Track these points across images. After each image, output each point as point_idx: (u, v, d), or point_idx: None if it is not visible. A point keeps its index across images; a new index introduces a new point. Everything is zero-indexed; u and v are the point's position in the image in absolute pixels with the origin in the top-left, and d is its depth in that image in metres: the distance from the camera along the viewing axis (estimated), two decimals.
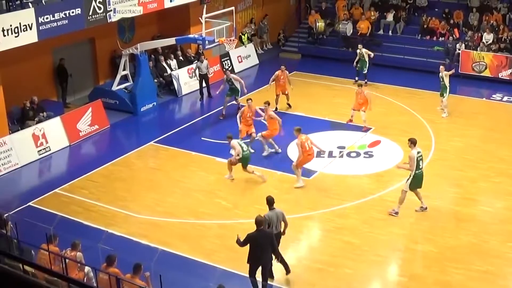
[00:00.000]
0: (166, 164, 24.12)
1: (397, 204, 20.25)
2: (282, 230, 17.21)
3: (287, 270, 17.19)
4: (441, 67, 28.49)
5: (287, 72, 29.22)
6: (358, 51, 32.00)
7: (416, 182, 20.04)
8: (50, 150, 24.98)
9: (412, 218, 20.33)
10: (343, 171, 23.25)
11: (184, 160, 24.32)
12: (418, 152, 19.91)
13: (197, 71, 31.04)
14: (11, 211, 19.50)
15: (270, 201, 17.10)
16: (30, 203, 21.25)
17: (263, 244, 15.96)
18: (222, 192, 21.92)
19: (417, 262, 18.26)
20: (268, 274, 16.54)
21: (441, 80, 27.95)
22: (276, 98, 28.71)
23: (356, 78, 32.23)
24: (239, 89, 28.95)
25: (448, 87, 27.88)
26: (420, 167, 19.92)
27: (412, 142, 19.98)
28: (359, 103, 26.58)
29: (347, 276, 17.39)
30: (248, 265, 16.14)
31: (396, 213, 20.29)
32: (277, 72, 28.78)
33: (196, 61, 31.72)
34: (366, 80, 31.97)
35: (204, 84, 31.13)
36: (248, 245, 15.99)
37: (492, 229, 19.56)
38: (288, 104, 29.25)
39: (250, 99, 25.13)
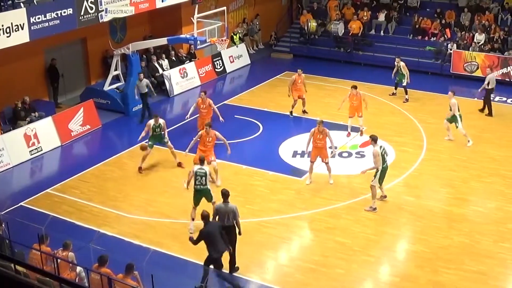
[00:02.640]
0: (158, 164, 24.07)
1: (372, 200, 20.58)
2: (237, 230, 17.32)
3: (232, 268, 17.35)
4: (449, 92, 25.76)
5: (304, 76, 28.27)
6: (396, 63, 30.34)
7: (383, 176, 20.60)
8: (42, 150, 24.93)
9: (404, 218, 20.37)
10: (335, 171, 23.19)
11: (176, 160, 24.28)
12: (381, 147, 20.49)
13: (135, 90, 28.12)
14: (3, 211, 19.43)
15: (224, 194, 17.22)
16: (21, 203, 21.20)
17: (215, 235, 16.43)
18: (213, 192, 21.85)
19: (409, 262, 18.28)
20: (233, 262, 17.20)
21: (450, 109, 25.39)
22: (294, 103, 28.04)
23: (394, 91, 31.07)
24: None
25: (458, 116, 25.27)
26: (386, 161, 20.52)
27: (373, 139, 20.53)
28: (353, 106, 25.87)
29: (339, 276, 17.40)
30: (209, 255, 16.57)
31: (374, 209, 20.54)
32: (293, 76, 28.15)
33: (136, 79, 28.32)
34: (407, 97, 30.31)
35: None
36: (203, 241, 16.46)
37: (484, 229, 19.59)
38: (304, 111, 28.51)
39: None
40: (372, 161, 20.53)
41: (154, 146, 23.57)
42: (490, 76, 28.98)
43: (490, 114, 28.78)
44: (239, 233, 17.32)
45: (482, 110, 29.18)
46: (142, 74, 28.10)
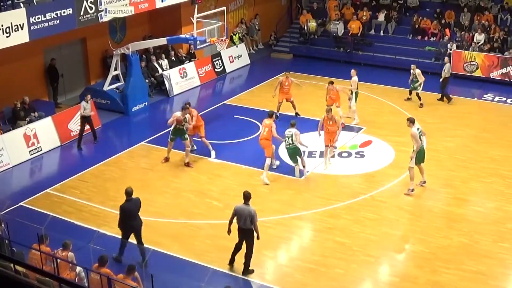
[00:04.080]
0: (158, 164, 24.09)
1: (410, 182, 21.38)
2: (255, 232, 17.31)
3: (246, 270, 17.51)
4: (352, 70, 27.75)
5: (292, 79, 28.14)
6: (411, 70, 29.63)
7: (420, 157, 21.30)
8: (41, 150, 24.93)
9: (404, 219, 20.38)
10: (335, 171, 23.27)
11: (176, 160, 24.28)
12: (418, 129, 21.24)
13: (82, 110, 25.34)
14: (3, 211, 19.43)
15: (246, 196, 17.22)
16: (21, 203, 21.20)
17: (132, 211, 17.47)
18: (213, 192, 21.91)
19: (408, 262, 18.29)
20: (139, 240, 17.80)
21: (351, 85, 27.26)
22: (279, 105, 28.00)
23: (409, 96, 30.36)
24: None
25: (354, 94, 27.51)
26: (422, 141, 21.33)
27: (411, 121, 21.41)
28: (331, 98, 26.84)
29: (338, 276, 17.40)
30: (121, 230, 17.81)
31: (412, 190, 21.41)
32: (280, 79, 28.14)
33: (82, 101, 25.77)
34: (421, 103, 29.72)
35: (86, 126, 25.96)
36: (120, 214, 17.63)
37: (483, 229, 19.60)
38: (297, 114, 28.37)
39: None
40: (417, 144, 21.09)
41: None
42: (448, 65, 30.50)
43: (449, 101, 30.43)
44: (257, 238, 17.29)
45: (441, 99, 30.56)
46: (89, 96, 25.53)
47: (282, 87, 27.93)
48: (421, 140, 21.19)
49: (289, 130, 22.26)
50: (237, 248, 17.51)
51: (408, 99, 30.51)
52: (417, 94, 29.74)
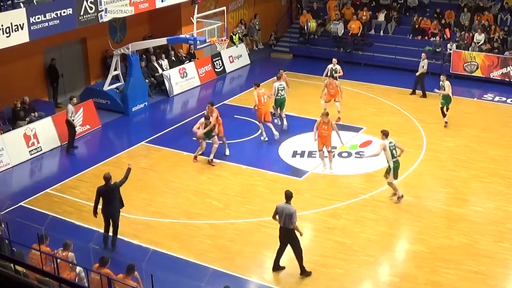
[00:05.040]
0: (158, 164, 24.10)
1: (396, 193, 21.10)
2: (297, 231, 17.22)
3: (304, 272, 17.47)
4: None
5: (285, 76, 27.94)
6: (441, 82, 27.12)
7: (395, 173, 20.90)
8: (41, 150, 24.94)
9: (404, 218, 20.38)
10: (335, 171, 23.26)
11: (176, 160, 24.31)
12: (391, 142, 20.75)
13: (69, 115, 25.00)
14: (3, 211, 19.43)
15: (287, 195, 17.21)
16: (21, 203, 21.21)
17: (107, 196, 18.28)
18: (213, 192, 21.92)
19: (408, 262, 18.28)
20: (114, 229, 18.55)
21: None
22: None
23: (446, 122, 27.44)
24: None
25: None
26: (396, 155, 20.71)
27: (384, 134, 20.88)
28: (330, 94, 27.07)
29: (338, 276, 17.40)
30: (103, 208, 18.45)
31: (401, 196, 21.16)
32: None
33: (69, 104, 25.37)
34: (446, 121, 27.28)
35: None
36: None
37: (483, 229, 19.60)
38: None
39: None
40: (375, 152, 21.21)
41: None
42: (425, 61, 30.80)
43: (423, 96, 30.91)
44: (300, 234, 17.24)
45: (413, 93, 31.29)
46: (75, 98, 25.39)
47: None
48: (394, 155, 20.64)
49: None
50: (279, 254, 17.44)
51: (445, 123, 27.62)
52: (442, 111, 27.26)
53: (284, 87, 26.58)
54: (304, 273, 17.34)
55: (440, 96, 27.00)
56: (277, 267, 17.55)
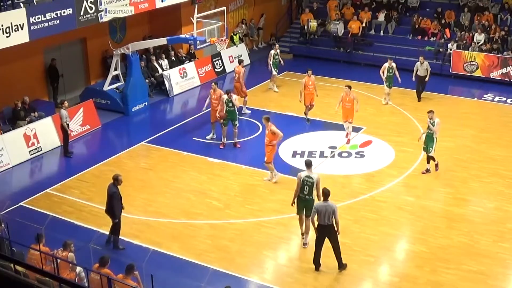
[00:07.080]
0: (158, 164, 24.10)
1: (305, 236, 18.93)
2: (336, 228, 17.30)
3: (341, 265, 17.63)
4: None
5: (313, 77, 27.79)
6: (429, 120, 23.00)
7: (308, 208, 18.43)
8: (41, 150, 24.93)
9: (404, 218, 20.37)
10: (335, 171, 23.26)
11: (176, 160, 24.31)
12: (307, 176, 18.52)
13: (64, 119, 24.56)
14: (3, 211, 19.43)
15: (325, 193, 17.25)
16: (21, 203, 21.19)
17: (107, 194, 18.44)
18: (213, 192, 21.91)
19: (408, 262, 18.27)
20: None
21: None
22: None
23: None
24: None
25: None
26: (305, 192, 18.43)
27: (307, 164, 18.86)
28: (345, 108, 25.33)
29: (338, 276, 17.39)
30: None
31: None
32: (304, 80, 27.47)
33: (60, 106, 25.01)
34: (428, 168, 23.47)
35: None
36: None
37: (483, 229, 19.60)
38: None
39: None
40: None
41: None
42: (418, 64, 30.56)
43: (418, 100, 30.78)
44: (338, 232, 17.32)
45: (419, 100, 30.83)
46: (66, 103, 24.94)
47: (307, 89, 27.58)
48: (304, 190, 18.34)
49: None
50: (318, 252, 17.52)
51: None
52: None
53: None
54: (342, 267, 17.55)
55: (423, 138, 23.28)
56: (319, 264, 17.63)
